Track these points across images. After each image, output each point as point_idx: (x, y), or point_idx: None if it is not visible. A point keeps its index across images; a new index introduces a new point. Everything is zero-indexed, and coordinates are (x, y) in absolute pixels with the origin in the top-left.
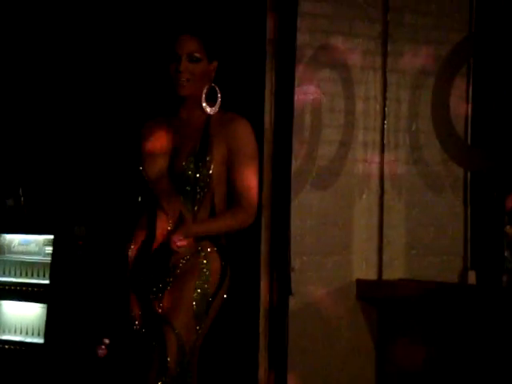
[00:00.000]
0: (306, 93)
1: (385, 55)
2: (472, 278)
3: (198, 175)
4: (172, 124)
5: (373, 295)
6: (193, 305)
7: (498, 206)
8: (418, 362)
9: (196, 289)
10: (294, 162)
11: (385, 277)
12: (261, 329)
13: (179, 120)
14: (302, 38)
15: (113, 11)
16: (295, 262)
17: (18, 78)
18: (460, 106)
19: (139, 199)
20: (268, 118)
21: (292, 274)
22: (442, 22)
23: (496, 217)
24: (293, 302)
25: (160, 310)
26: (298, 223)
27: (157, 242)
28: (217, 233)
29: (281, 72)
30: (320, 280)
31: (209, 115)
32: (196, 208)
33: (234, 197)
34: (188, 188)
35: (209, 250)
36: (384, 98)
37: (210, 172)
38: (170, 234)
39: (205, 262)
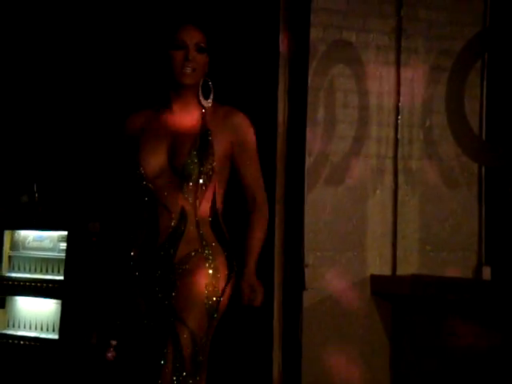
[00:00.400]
0: (320, 89)
1: (398, 50)
2: (487, 273)
3: (201, 169)
4: (164, 116)
5: (387, 291)
6: (205, 301)
7: None
8: (433, 358)
9: (207, 285)
10: (307, 157)
11: (399, 272)
12: (274, 325)
13: (171, 112)
14: (315, 33)
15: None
16: (309, 258)
17: (30, 77)
18: (474, 101)
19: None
20: (281, 114)
21: (306, 270)
22: (455, 17)
23: (511, 212)
24: (307, 298)
25: (171, 307)
26: (312, 219)
27: (161, 239)
28: (260, 247)
29: (294, 67)
30: (334, 276)
31: (203, 108)
32: (198, 202)
33: (247, 195)
34: (190, 183)
35: (213, 244)
36: (398, 94)
37: (213, 166)
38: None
39: (211, 257)
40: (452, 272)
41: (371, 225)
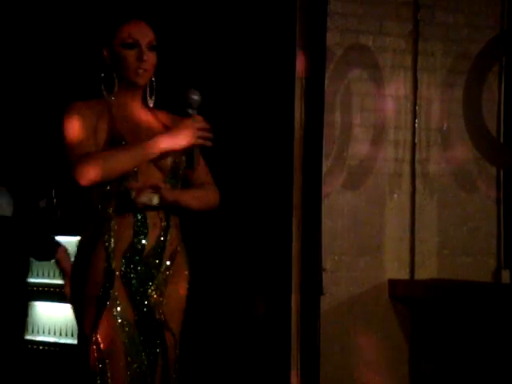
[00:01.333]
0: (336, 92)
1: (415, 54)
2: (506, 277)
3: (181, 166)
4: (122, 111)
5: (405, 295)
6: (185, 304)
7: None
8: (452, 362)
9: (188, 288)
10: (324, 161)
11: (417, 277)
12: (292, 329)
13: (126, 109)
14: (332, 37)
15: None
16: (327, 263)
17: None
18: (492, 105)
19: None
20: (298, 118)
21: (323, 274)
22: (473, 20)
23: None
24: (324, 303)
25: (160, 315)
26: (330, 223)
27: (151, 243)
28: (191, 201)
29: (311, 72)
30: (352, 280)
31: (149, 109)
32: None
33: (196, 183)
34: (173, 179)
35: (183, 245)
36: (415, 97)
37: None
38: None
39: (186, 258)
40: (470, 276)
41: (389, 229)
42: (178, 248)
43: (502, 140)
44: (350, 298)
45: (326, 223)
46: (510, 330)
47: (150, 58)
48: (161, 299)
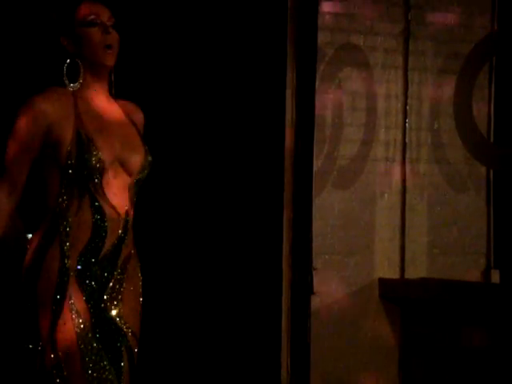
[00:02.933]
0: (327, 92)
1: (406, 54)
2: (495, 276)
3: (148, 170)
4: (88, 103)
5: (395, 294)
6: (141, 306)
7: None
8: (442, 361)
9: (141, 291)
10: (315, 161)
11: (407, 276)
12: (283, 329)
13: (93, 100)
14: (323, 37)
15: None
16: (317, 262)
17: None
18: (482, 105)
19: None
20: (289, 118)
21: (314, 274)
22: (463, 20)
23: None
24: (315, 302)
25: (120, 318)
26: (320, 223)
27: (108, 245)
28: None
29: (302, 71)
30: (342, 279)
31: (112, 98)
32: (133, 202)
33: None
34: (135, 184)
35: (135, 249)
36: (406, 97)
37: None
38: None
39: (138, 261)
40: (460, 275)
41: (379, 228)
42: (132, 251)
43: (492, 140)
44: (340, 297)
45: (317, 223)
46: (500, 329)
47: (113, 33)
48: (116, 302)
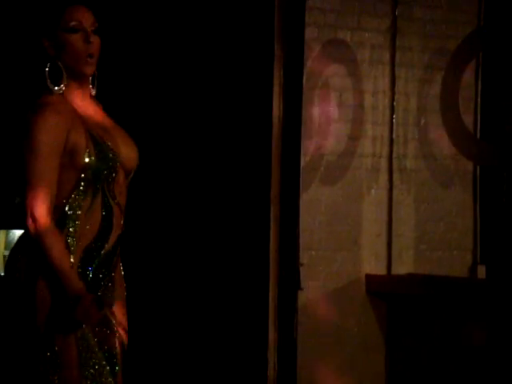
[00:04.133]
0: (315, 88)
1: (393, 49)
2: (482, 272)
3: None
4: (76, 104)
5: (382, 290)
6: (125, 304)
7: (508, 200)
8: (428, 357)
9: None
10: (302, 157)
11: (394, 272)
12: (270, 324)
13: (79, 102)
14: (310, 32)
15: None
16: (304, 257)
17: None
18: (469, 100)
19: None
20: (276, 114)
21: (301, 269)
22: (450, 16)
23: (505, 211)
24: (302, 297)
25: (113, 316)
26: (307, 218)
27: (110, 243)
28: None
29: (289, 67)
30: (329, 275)
31: (96, 102)
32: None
33: None
34: (128, 182)
35: None
36: (393, 93)
37: None
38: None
39: (121, 262)
40: (447, 271)
41: (366, 224)
42: (119, 250)
43: (478, 136)
44: (327, 292)
45: (304, 218)
46: (486, 324)
47: (96, 40)
48: (108, 302)
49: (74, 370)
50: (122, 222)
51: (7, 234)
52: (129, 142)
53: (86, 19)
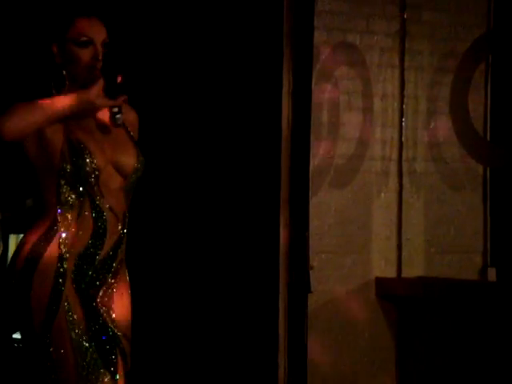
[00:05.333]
0: (324, 91)
1: (402, 53)
2: (492, 275)
3: (142, 171)
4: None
5: (392, 293)
6: (131, 311)
7: None
8: (439, 360)
9: (130, 296)
10: (311, 160)
11: (404, 275)
12: (280, 328)
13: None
14: (319, 36)
15: None
16: (314, 261)
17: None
18: (479, 103)
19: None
20: (285, 117)
21: (311, 273)
22: (460, 19)
23: None
24: (312, 301)
25: (113, 323)
26: (317, 222)
27: (106, 249)
28: None
29: (298, 70)
30: (339, 278)
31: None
32: (126, 208)
33: None
34: (130, 186)
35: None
36: (402, 96)
37: None
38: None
39: (127, 269)
40: (457, 274)
41: (376, 227)
42: (123, 256)
43: (488, 138)
44: (337, 296)
45: (313, 222)
46: (496, 327)
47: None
48: (106, 309)
49: (70, 371)
50: (119, 227)
51: (18, 239)
52: (125, 148)
53: (98, 35)
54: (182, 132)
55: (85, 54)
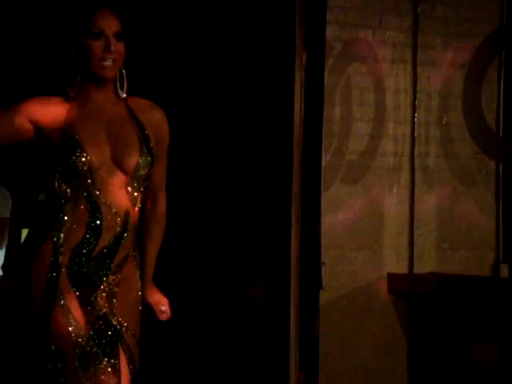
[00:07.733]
0: (336, 87)
1: (415, 48)
2: (504, 271)
3: (147, 170)
4: (86, 106)
5: (404, 289)
6: (140, 306)
7: None
8: (451, 356)
9: (140, 289)
10: (324, 156)
11: (416, 271)
12: (291, 323)
13: (91, 102)
14: (331, 31)
15: None
16: (326, 257)
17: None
18: (491, 99)
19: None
20: (298, 113)
21: (322, 269)
22: (472, 14)
23: None
24: (323, 297)
25: (116, 320)
26: (329, 217)
27: (102, 244)
28: (157, 251)
29: (310, 66)
30: (351, 274)
31: (124, 100)
32: (137, 202)
33: (149, 191)
34: (135, 183)
35: (136, 247)
36: (414, 91)
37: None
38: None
39: (137, 261)
40: (469, 270)
41: (388, 223)
42: (130, 253)
43: (501, 134)
44: (348, 292)
45: (325, 217)
46: (508, 323)
47: (118, 48)
48: (107, 304)
49: (70, 363)
50: (118, 224)
51: None
52: (129, 145)
53: (110, 26)
54: (195, 127)
55: (96, 46)
